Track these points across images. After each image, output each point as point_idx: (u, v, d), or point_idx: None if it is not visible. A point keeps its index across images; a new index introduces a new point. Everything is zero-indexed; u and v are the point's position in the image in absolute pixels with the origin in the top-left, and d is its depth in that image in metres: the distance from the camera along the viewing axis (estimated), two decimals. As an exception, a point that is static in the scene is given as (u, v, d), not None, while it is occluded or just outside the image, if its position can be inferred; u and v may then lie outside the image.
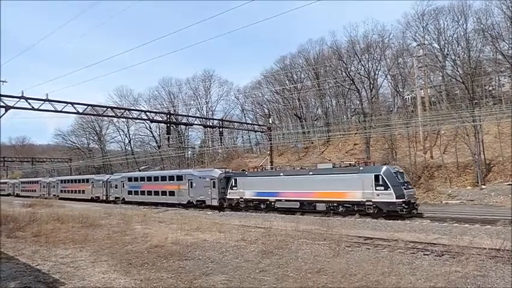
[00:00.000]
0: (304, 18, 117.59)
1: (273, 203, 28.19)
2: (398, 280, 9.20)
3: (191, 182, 34.35)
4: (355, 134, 51.18)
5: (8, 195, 72.45)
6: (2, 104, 24.58)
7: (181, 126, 63.52)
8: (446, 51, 47.35)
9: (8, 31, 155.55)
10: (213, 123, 42.88)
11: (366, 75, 52.91)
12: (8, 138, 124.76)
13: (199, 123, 45.76)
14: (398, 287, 8.71)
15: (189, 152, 73.95)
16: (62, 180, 59.86)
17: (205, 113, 71.95)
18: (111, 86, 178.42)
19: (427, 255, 12.43)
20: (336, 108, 63.45)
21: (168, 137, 44.63)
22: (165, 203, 36.82)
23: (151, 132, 77.56)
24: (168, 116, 35.69)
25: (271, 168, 33.79)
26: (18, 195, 68.78)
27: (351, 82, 53.74)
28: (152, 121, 39.27)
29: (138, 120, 49.62)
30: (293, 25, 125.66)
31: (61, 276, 10.67)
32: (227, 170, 35.39)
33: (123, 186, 43.35)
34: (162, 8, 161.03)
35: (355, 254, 12.95)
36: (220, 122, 42.05)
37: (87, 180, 51.95)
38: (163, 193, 37.55)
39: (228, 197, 31.25)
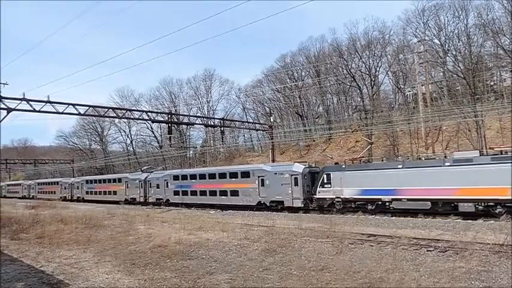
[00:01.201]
0: (304, 16, 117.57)
1: (387, 203, 22.70)
2: (402, 276, 9.19)
3: (262, 180, 29.19)
4: (357, 131, 51.13)
5: (23, 197, 67.00)
6: (3, 106, 24.63)
7: (183, 126, 63.50)
8: (447, 46, 47.32)
9: (8, 31, 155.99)
10: (214, 123, 42.80)
11: (367, 72, 52.90)
12: (10, 140, 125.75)
13: (201, 122, 45.55)
14: (402, 284, 8.71)
15: (191, 152, 74.04)
16: (88, 181, 53.69)
17: (206, 113, 71.96)
18: (112, 87, 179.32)
19: (431, 251, 12.42)
20: (337, 106, 63.42)
21: (170, 137, 44.39)
22: (225, 205, 31.69)
23: (153, 133, 77.72)
24: (170, 116, 35.66)
25: (369, 160, 27.17)
26: (34, 198, 63.03)
27: (352, 79, 53.75)
28: (154, 121, 39.24)
29: (139, 121, 49.70)
30: (293, 23, 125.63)
31: (65, 277, 10.71)
32: (310, 163, 30.27)
33: (167, 186, 37.93)
34: (162, 7, 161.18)
35: (359, 251, 12.95)
36: (222, 121, 42.01)
37: (120, 180, 46.08)
38: (223, 193, 32.09)
39: (317, 196, 25.86)
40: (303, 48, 65.21)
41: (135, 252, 13.78)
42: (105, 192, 48.08)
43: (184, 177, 36.71)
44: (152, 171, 44.99)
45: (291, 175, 27.40)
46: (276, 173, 28.58)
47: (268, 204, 28.72)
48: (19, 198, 66.29)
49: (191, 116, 50.14)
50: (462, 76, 42.39)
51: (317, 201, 26.04)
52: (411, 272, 9.64)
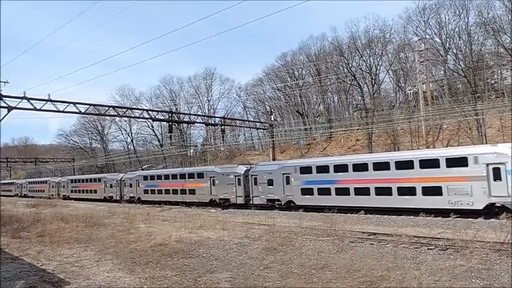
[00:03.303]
0: (305, 15, 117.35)
1: None
2: (402, 275, 9.19)
3: (497, 169, 18.72)
4: (358, 129, 51.10)
5: (50, 197, 55.37)
6: (4, 104, 24.63)
7: (183, 124, 63.70)
8: (447, 45, 47.31)
9: (9, 30, 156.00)
10: (215, 121, 42.76)
11: (368, 71, 52.87)
12: (10, 138, 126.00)
13: (201, 121, 45.59)
14: (403, 282, 8.71)
15: (192, 150, 74.08)
16: (146, 177, 43.06)
17: (207, 111, 72.03)
18: (113, 85, 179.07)
19: (431, 249, 12.44)
20: (338, 104, 63.38)
21: (170, 135, 44.33)
22: (409, 209, 21.40)
23: (154, 131, 77.84)
24: (170, 114, 35.60)
25: None
26: (67, 198, 54.65)
27: (353, 78, 53.69)
28: (154, 120, 39.09)
29: (140, 119, 49.63)
30: (294, 22, 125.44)
31: (66, 275, 10.72)
32: None
33: (288, 182, 28.16)
34: (163, 6, 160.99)
35: (359, 249, 12.96)
36: (222, 120, 41.99)
37: (201, 175, 35.78)
38: (405, 191, 21.73)
39: None
40: (303, 46, 65.33)
41: (135, 250, 13.79)
42: (175, 191, 38.17)
43: (322, 168, 26.37)
44: (252, 165, 35.07)
45: None
46: None
47: None
48: (45, 198, 54.25)
49: (192, 114, 50.33)
50: (463, 74, 42.36)
51: None
52: (412, 271, 9.63)
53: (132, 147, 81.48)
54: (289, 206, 27.77)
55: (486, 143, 36.51)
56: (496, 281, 8.72)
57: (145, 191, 41.82)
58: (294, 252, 12.57)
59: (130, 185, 44.35)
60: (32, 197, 60.64)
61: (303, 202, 27.05)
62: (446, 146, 40.57)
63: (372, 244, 13.81)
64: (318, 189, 26.25)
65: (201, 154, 74.44)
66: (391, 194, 22.47)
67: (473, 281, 8.77)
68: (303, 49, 65.02)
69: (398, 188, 22.15)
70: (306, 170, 27.48)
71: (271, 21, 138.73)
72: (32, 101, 25.96)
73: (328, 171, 26.05)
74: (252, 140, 73.54)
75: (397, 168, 22.48)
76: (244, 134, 75.02)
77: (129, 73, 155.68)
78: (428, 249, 12.52)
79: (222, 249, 13.62)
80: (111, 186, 47.64)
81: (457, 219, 18.76)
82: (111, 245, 15.16)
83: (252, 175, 30.96)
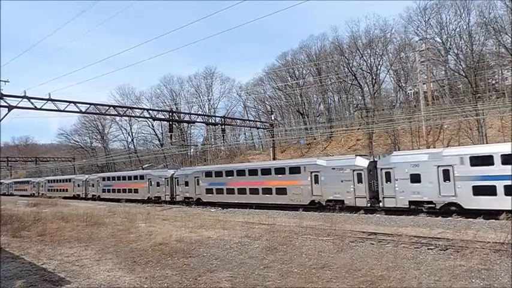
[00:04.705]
0: (305, 14, 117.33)
1: None
2: (402, 274, 9.19)
3: None
4: (358, 129, 51.08)
5: (75, 197, 52.00)
6: (4, 103, 24.66)
7: (184, 124, 63.72)
8: (448, 45, 47.29)
9: (9, 29, 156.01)
10: (215, 121, 42.76)
11: (368, 71, 52.87)
12: (11, 137, 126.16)
13: (202, 120, 45.65)
14: (403, 282, 8.71)
15: (192, 150, 74.13)
16: (209, 172, 35.53)
17: (207, 111, 72.05)
18: (114, 85, 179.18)
19: (431, 249, 12.43)
20: (338, 104, 63.39)
21: (171, 134, 44.29)
22: None
23: (154, 131, 77.89)
24: (171, 114, 35.63)
25: None
26: (96, 198, 49.07)
27: (353, 77, 53.70)
28: (155, 119, 39.05)
29: (140, 119, 49.60)
30: (294, 21, 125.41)
31: (66, 274, 10.72)
32: None
33: (446, 179, 20.92)
34: (163, 6, 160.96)
35: (359, 249, 12.95)
36: (223, 119, 41.97)
37: (296, 170, 28.06)
38: None
39: None
40: (304, 46, 65.35)
41: (136, 250, 13.78)
42: (254, 191, 30.37)
43: None
44: (374, 156, 28.43)
45: None
46: None
47: None
48: (69, 198, 50.44)
49: (192, 114, 50.30)
50: (464, 74, 42.35)
51: None
52: (412, 270, 9.64)
53: (132, 147, 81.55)
54: (448, 209, 20.80)
55: (487, 143, 36.50)
56: (496, 281, 8.72)
57: (208, 191, 34.56)
58: (294, 251, 12.57)
59: (186, 183, 37.00)
60: (53, 196, 52.01)
61: (478, 204, 19.79)
62: (447, 146, 40.51)
63: (372, 244, 13.80)
64: (505, 186, 18.81)
65: (201, 153, 74.50)
66: None
67: (473, 281, 8.76)
68: (304, 49, 65.13)
69: None
70: (481, 160, 20.11)
71: (271, 21, 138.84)
72: (32, 100, 26.02)
73: None
74: (253, 139, 73.60)
75: None
76: (245, 134, 75.14)
77: (129, 73, 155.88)
78: (428, 249, 12.51)
79: (223, 249, 13.62)
80: (158, 185, 40.56)
81: (458, 219, 18.77)
82: (111, 244, 15.15)
83: (382, 169, 23.73)
